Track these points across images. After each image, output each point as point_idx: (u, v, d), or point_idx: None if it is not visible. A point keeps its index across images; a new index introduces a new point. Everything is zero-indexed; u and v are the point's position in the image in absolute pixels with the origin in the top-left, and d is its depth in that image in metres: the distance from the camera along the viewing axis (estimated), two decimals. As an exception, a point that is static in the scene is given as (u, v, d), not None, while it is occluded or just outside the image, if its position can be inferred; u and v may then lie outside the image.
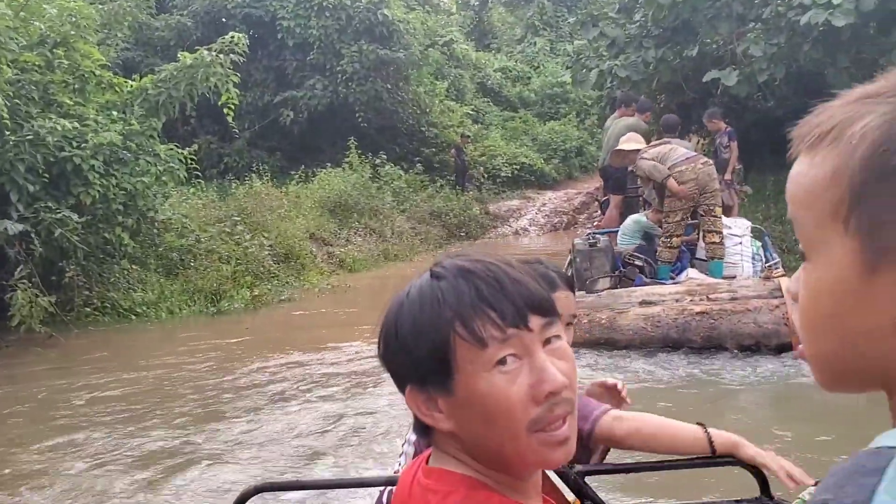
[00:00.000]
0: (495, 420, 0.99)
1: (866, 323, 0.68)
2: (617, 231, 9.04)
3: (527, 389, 0.99)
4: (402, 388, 1.07)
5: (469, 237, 18.62)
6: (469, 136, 21.37)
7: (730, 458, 1.90)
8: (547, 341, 1.02)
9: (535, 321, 1.01)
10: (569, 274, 8.55)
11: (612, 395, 2.17)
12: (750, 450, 1.90)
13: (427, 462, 1.09)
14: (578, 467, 1.95)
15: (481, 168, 21.18)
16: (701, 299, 7.33)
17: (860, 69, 11.75)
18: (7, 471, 5.51)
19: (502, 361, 0.99)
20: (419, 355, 1.02)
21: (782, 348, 6.95)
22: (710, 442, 1.89)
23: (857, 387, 0.73)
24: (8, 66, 9.42)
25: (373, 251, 15.68)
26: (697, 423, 1.96)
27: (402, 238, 16.83)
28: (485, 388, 0.99)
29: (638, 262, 8.18)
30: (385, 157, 18.73)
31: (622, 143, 9.16)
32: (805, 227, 0.72)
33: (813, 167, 0.71)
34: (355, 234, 15.98)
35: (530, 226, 19.99)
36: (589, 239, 8.46)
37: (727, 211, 9.01)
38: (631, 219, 8.76)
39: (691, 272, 7.97)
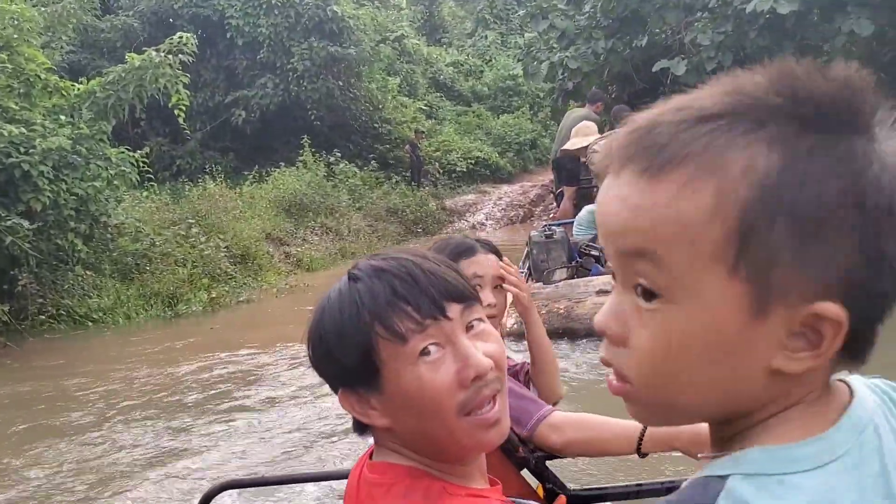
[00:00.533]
0: (425, 410, 1.02)
1: (743, 366, 0.63)
2: (572, 222, 9.12)
3: (453, 376, 1.02)
4: (335, 391, 1.10)
5: (426, 233, 18.63)
6: (423, 132, 21.38)
7: None
8: (469, 326, 1.06)
9: (453, 309, 1.04)
10: (526, 266, 8.67)
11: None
12: (684, 441, 1.83)
13: (370, 457, 1.12)
14: (539, 453, 1.96)
15: (436, 163, 21.20)
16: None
17: (805, 55, 11.97)
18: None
19: (425, 352, 1.02)
20: (345, 359, 1.05)
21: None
22: (640, 440, 1.85)
23: (686, 422, 0.69)
24: (-50, 71, 9.20)
25: (330, 250, 15.63)
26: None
27: (359, 236, 16.79)
28: (412, 381, 1.02)
29: (594, 252, 8.24)
30: (339, 154, 18.66)
31: (567, 145, 9.28)
32: (671, 266, 0.63)
33: (672, 199, 0.62)
34: (312, 233, 15.90)
35: (487, 220, 20.08)
36: (545, 231, 8.52)
37: None
38: (586, 209, 8.83)
39: None
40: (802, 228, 0.60)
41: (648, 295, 0.64)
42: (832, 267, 0.61)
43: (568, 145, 9.11)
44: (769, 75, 0.64)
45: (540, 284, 7.61)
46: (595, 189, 9.88)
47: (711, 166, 0.61)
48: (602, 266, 8.18)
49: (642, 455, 1.88)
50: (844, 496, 0.62)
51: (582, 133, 8.87)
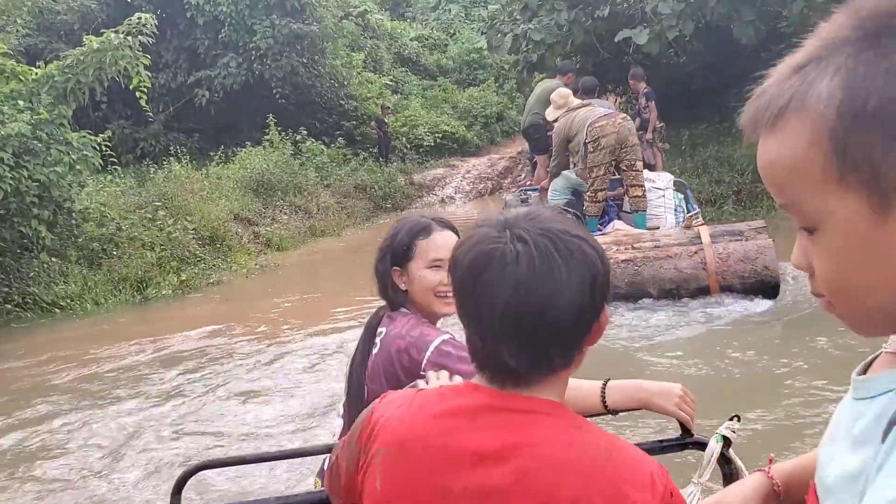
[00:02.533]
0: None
1: (894, 264, 0.72)
2: (547, 189, 9.29)
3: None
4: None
5: (395, 209, 18.62)
6: (389, 108, 21.28)
7: (682, 440, 1.95)
8: None
9: None
10: None
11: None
12: (659, 406, 1.93)
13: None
14: None
15: (403, 139, 21.14)
16: (626, 248, 7.58)
17: (764, 21, 12.10)
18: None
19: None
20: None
21: (700, 292, 7.30)
22: (603, 401, 1.92)
23: (893, 324, 0.77)
24: None
25: (299, 228, 15.57)
26: (605, 381, 1.97)
27: (328, 213, 16.74)
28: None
29: (568, 216, 8.37)
30: (305, 132, 18.54)
31: (547, 112, 9.37)
32: (802, 205, 0.75)
33: (785, 144, 0.74)
34: (280, 212, 15.82)
35: (456, 193, 20.11)
36: (520, 195, 8.72)
37: (651, 168, 9.31)
38: (561, 175, 8.99)
39: (617, 224, 8.24)
40: (883, 127, 0.69)
41: (809, 231, 0.76)
42: None
43: (547, 113, 9.25)
44: (844, 11, 0.74)
45: None
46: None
47: (801, 108, 0.73)
48: None
49: (614, 413, 1.95)
50: None
51: (557, 103, 8.97)
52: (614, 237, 7.85)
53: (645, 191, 8.36)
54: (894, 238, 0.71)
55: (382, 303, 2.29)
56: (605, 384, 1.98)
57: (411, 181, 20.02)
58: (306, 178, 17.10)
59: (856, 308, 0.77)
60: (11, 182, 9.66)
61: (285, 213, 15.89)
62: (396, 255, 2.22)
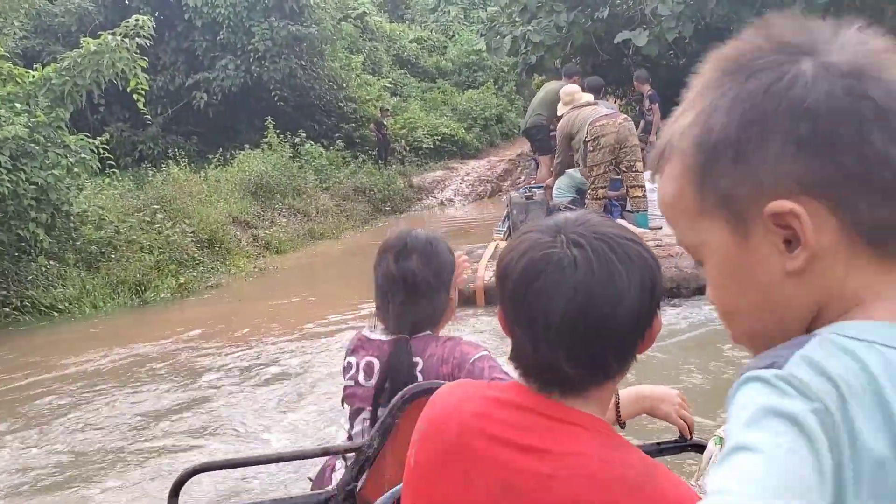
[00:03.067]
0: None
1: (763, 281, 0.75)
2: (552, 188, 9.37)
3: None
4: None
5: (394, 211, 18.58)
6: (388, 110, 21.25)
7: (681, 443, 1.93)
8: None
9: None
10: (506, 226, 9.08)
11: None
12: (661, 413, 1.91)
13: None
14: None
15: (402, 141, 21.11)
16: (630, 246, 7.57)
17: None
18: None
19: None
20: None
21: (701, 290, 7.27)
22: (618, 413, 1.88)
23: (774, 343, 0.76)
24: None
25: (298, 231, 15.53)
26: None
27: (328, 216, 16.70)
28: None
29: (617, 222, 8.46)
30: (304, 135, 18.49)
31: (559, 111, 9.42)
32: (687, 239, 0.80)
33: (667, 183, 0.80)
34: (279, 215, 15.78)
35: (455, 196, 20.07)
36: (525, 192, 8.91)
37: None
38: (566, 174, 9.07)
39: (621, 222, 8.23)
40: (733, 152, 0.73)
41: (698, 263, 0.81)
42: (776, 171, 0.72)
43: (558, 109, 9.35)
44: (711, 57, 0.80)
45: None
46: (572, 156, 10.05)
47: (673, 148, 0.79)
48: None
49: (622, 425, 1.92)
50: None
51: (564, 99, 9.03)
52: (617, 235, 7.85)
53: (646, 191, 8.40)
54: (759, 260, 0.74)
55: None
56: (616, 399, 1.95)
57: (410, 184, 19.98)
58: (305, 180, 17.06)
59: (743, 334, 0.81)
60: (9, 185, 9.61)
61: (284, 216, 15.84)
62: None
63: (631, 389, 1.95)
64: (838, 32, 0.77)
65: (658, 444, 1.97)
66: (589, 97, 9.01)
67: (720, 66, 0.77)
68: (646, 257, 1.14)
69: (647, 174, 8.55)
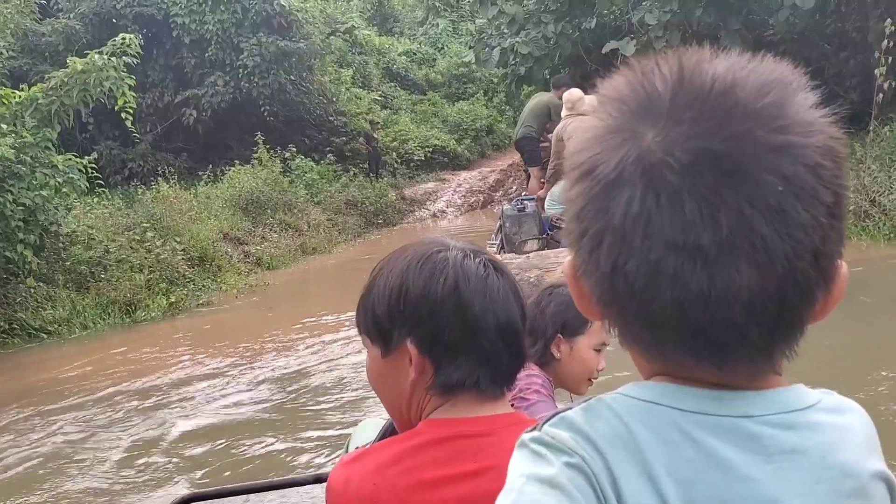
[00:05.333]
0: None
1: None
2: (543, 199, 9.31)
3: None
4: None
5: (386, 224, 18.55)
6: (378, 123, 21.24)
7: None
8: None
9: None
10: (499, 238, 9.01)
11: None
12: None
13: None
14: None
15: (394, 153, 21.08)
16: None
17: (750, 30, 12.12)
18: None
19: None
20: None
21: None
22: None
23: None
24: None
25: (290, 246, 15.46)
26: None
27: (319, 230, 16.64)
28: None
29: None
30: (295, 150, 18.44)
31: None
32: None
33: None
34: (270, 230, 15.71)
35: (447, 207, 20.03)
36: (517, 205, 8.85)
37: None
38: (558, 185, 8.97)
39: None
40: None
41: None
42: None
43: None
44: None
45: (512, 255, 7.86)
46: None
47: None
48: None
49: None
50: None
51: (566, 105, 8.89)
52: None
53: None
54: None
55: None
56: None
57: (402, 196, 19.94)
58: (296, 195, 17.01)
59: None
60: (-4, 207, 9.54)
61: (275, 232, 15.78)
62: (571, 324, 2.13)
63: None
64: None
65: None
66: (593, 103, 8.84)
67: None
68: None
69: None
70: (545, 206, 9.10)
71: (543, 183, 10.43)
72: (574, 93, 9.01)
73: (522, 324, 1.19)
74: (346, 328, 8.85)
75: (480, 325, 1.15)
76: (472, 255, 1.19)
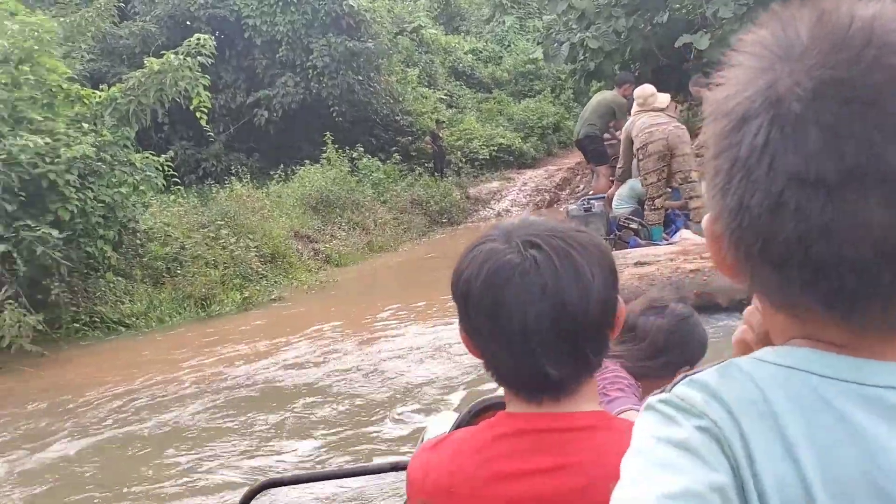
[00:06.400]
0: None
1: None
2: (612, 198, 9.15)
3: None
4: None
5: (451, 223, 18.56)
6: (443, 122, 21.26)
7: None
8: None
9: None
10: None
11: None
12: None
13: None
14: None
15: (458, 153, 21.08)
16: (694, 258, 7.39)
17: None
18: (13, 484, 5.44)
19: None
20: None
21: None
22: None
23: None
24: (-26, 85, 9.25)
25: (357, 244, 15.60)
26: None
27: (386, 229, 16.76)
28: None
29: (633, 226, 8.26)
30: (362, 149, 18.60)
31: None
32: None
33: None
34: (339, 228, 15.88)
35: (512, 206, 19.91)
36: (584, 204, 8.69)
37: None
38: (626, 184, 8.85)
39: (685, 233, 8.04)
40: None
41: None
42: None
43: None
44: None
45: None
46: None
47: None
48: (640, 238, 8.18)
49: None
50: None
51: (636, 101, 8.74)
52: (682, 247, 7.66)
53: (704, 201, 8.14)
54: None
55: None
56: None
57: (467, 195, 19.92)
58: (363, 194, 17.17)
59: None
60: (78, 203, 9.84)
61: (343, 230, 15.94)
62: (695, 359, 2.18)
63: None
64: None
65: None
66: (664, 101, 8.63)
67: None
68: (599, 244, 1.13)
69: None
70: (613, 206, 8.92)
71: (611, 182, 10.28)
72: (646, 88, 8.85)
73: (587, 327, 1.08)
74: (416, 322, 8.87)
75: (512, 323, 1.07)
76: (522, 248, 1.08)
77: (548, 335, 1.06)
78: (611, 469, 1.03)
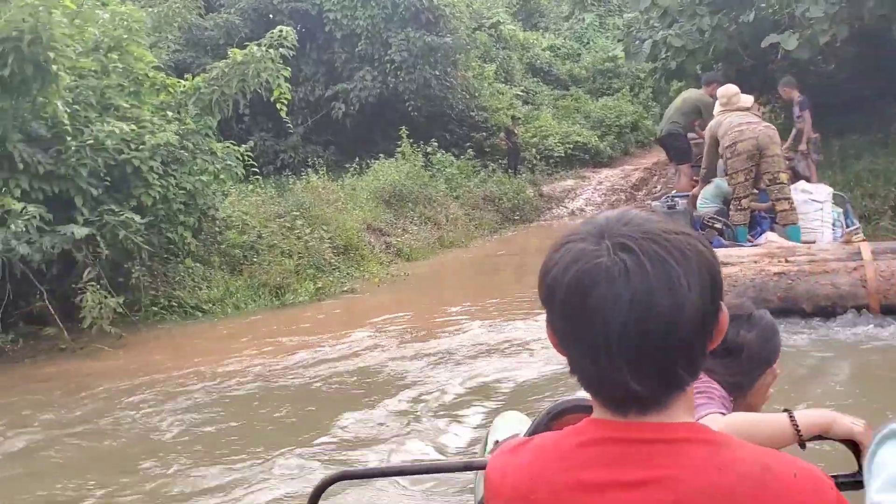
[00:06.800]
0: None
1: None
2: (696, 197, 8.99)
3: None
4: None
5: (523, 220, 18.46)
6: (519, 119, 21.15)
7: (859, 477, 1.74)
8: None
9: None
10: None
11: None
12: (843, 426, 1.73)
13: None
14: None
15: (533, 150, 20.95)
16: (779, 261, 7.21)
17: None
18: (93, 471, 5.60)
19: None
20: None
21: (858, 310, 6.89)
22: (798, 433, 1.74)
23: None
24: (66, 72, 9.55)
25: (428, 239, 15.65)
26: (784, 410, 1.79)
27: (457, 224, 16.76)
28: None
29: (717, 226, 8.09)
30: (436, 144, 18.66)
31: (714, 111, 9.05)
32: None
33: None
34: (411, 223, 15.95)
35: (587, 205, 19.69)
36: (667, 202, 8.56)
37: (807, 181, 8.89)
38: (712, 183, 8.68)
39: (770, 235, 7.85)
40: None
41: None
42: None
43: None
44: None
45: None
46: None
47: None
48: (724, 239, 8.01)
49: (802, 445, 1.77)
50: None
51: (720, 100, 8.59)
52: (767, 249, 7.48)
53: (793, 204, 7.94)
54: None
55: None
56: (789, 412, 1.78)
57: (540, 193, 19.79)
58: (436, 189, 17.21)
59: None
60: (160, 189, 10.10)
61: (415, 224, 16.01)
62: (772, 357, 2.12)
63: (808, 410, 1.80)
64: None
65: (833, 476, 1.76)
66: (748, 101, 8.45)
67: None
68: (701, 250, 1.00)
69: (792, 186, 8.07)
70: (697, 205, 8.79)
71: (693, 181, 10.08)
72: (730, 88, 8.66)
73: (678, 342, 0.98)
74: (485, 319, 8.84)
75: (596, 333, 0.98)
76: (612, 250, 0.98)
77: (632, 349, 0.97)
78: (706, 485, 0.97)
